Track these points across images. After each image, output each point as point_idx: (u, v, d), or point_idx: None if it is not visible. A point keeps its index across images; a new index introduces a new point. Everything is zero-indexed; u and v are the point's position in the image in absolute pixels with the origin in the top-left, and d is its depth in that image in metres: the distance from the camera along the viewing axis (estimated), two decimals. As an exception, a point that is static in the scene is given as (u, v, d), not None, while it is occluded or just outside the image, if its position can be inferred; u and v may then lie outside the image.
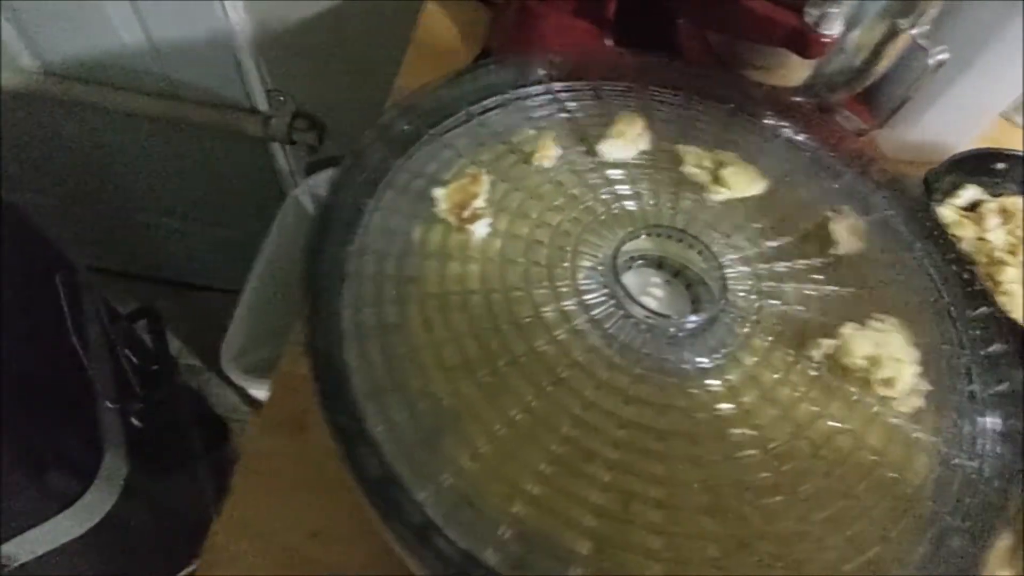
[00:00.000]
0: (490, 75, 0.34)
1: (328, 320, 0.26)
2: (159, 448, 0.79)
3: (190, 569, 0.83)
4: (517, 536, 0.21)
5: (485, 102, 0.34)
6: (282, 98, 0.86)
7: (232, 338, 0.84)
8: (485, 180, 0.29)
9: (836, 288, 0.30)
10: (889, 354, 0.27)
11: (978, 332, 0.30)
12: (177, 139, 0.91)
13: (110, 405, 0.68)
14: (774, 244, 0.31)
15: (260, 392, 0.85)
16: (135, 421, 0.73)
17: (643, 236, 0.30)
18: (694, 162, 0.32)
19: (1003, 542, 0.24)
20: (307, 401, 0.36)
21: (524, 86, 0.35)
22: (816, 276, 0.31)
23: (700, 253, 0.30)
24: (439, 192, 0.29)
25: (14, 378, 0.55)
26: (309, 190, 0.95)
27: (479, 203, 0.29)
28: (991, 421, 0.27)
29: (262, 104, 0.86)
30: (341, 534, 0.32)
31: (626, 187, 0.32)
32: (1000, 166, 0.47)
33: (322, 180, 0.94)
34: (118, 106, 0.84)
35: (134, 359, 0.79)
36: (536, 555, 0.21)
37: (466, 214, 0.28)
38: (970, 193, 0.46)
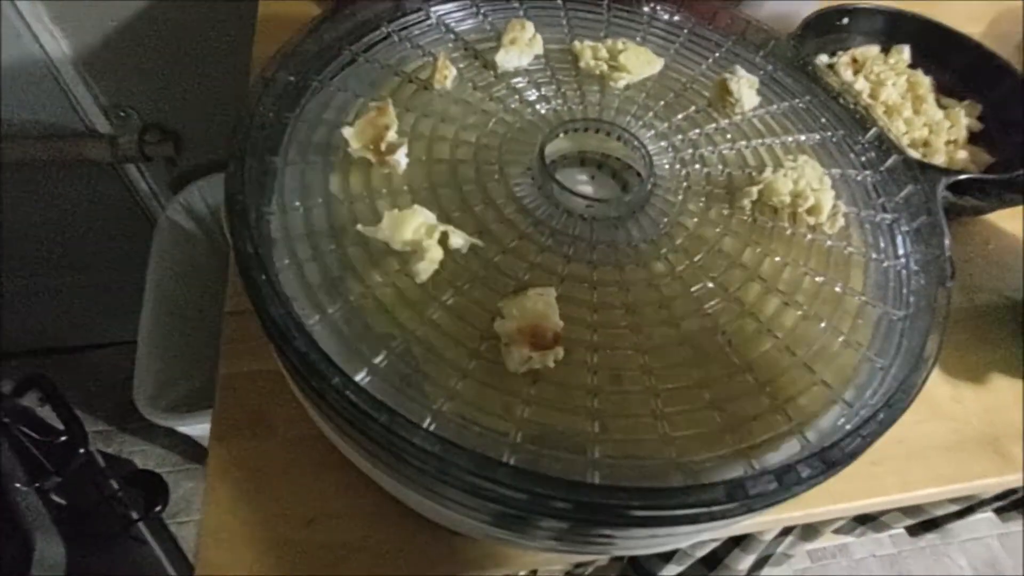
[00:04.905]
0: (366, 10, 0.32)
1: (272, 286, 0.24)
2: (93, 520, 0.72)
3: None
4: (529, 440, 0.21)
5: (366, 39, 0.32)
6: (123, 113, 0.78)
7: (141, 383, 0.77)
8: (391, 111, 0.28)
9: (746, 142, 0.32)
10: (808, 185, 0.28)
11: (872, 153, 0.33)
12: (18, 185, 0.80)
13: (23, 488, 0.60)
14: (682, 115, 0.32)
15: (188, 428, 0.79)
16: (56, 498, 0.66)
17: (562, 135, 0.30)
18: (591, 55, 0.33)
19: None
20: (259, 397, 0.34)
21: (403, 15, 0.33)
22: (727, 135, 0.32)
23: (619, 139, 0.31)
24: (348, 131, 0.27)
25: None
26: (181, 207, 0.88)
27: (391, 135, 0.27)
28: (904, 224, 0.30)
29: (102, 125, 0.77)
30: (335, 512, 0.30)
31: (532, 92, 0.32)
32: (845, 20, 0.51)
33: (195, 193, 0.87)
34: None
35: (35, 435, 0.70)
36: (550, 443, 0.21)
37: (383, 147, 0.27)
38: (822, 59, 0.50)
